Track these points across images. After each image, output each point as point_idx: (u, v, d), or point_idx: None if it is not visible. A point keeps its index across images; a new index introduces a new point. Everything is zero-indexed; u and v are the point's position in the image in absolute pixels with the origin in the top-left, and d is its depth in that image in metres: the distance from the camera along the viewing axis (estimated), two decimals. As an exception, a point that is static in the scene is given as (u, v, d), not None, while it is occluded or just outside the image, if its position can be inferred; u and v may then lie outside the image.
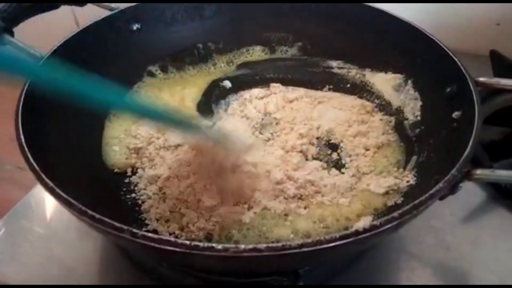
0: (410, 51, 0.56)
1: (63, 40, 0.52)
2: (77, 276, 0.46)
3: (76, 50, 0.53)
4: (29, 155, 0.36)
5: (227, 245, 0.29)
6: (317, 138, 0.56)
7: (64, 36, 0.53)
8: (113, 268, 0.47)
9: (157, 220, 0.45)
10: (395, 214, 0.31)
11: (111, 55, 0.58)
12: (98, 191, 0.46)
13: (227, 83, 0.65)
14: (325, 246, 0.29)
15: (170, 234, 0.44)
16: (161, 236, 0.29)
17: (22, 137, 0.38)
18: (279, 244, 0.29)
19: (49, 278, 0.46)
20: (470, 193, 0.53)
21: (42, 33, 0.53)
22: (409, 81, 0.57)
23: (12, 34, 0.52)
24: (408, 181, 0.47)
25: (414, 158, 0.49)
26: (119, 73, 0.58)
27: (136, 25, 0.62)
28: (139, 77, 0.63)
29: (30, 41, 0.52)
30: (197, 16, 0.66)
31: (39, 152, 0.39)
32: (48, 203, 0.54)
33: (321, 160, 0.53)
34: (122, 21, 0.60)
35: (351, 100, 0.60)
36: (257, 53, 0.67)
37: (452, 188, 0.35)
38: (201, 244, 0.29)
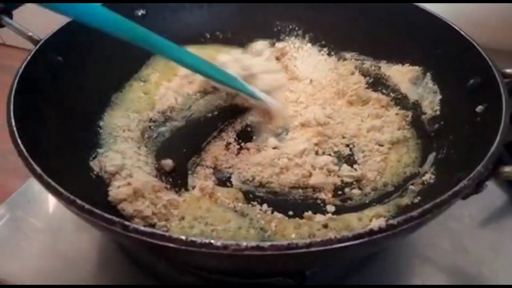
0: (429, 41, 0.53)
1: (64, 23, 0.50)
2: (74, 269, 0.44)
3: (77, 35, 0.51)
4: (18, 139, 0.34)
5: (226, 242, 0.26)
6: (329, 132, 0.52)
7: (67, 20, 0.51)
8: (110, 263, 0.45)
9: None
10: (414, 213, 0.28)
11: (114, 40, 0.55)
12: (91, 182, 0.43)
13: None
14: (336, 246, 0.26)
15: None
16: (154, 230, 0.26)
17: (13, 121, 0.36)
18: (285, 243, 0.26)
19: (44, 271, 0.44)
20: (490, 194, 0.50)
21: (45, 18, 0.51)
22: (428, 74, 0.53)
23: (10, 16, 0.50)
24: (425, 180, 0.43)
25: (432, 155, 0.46)
26: (122, 59, 0.56)
27: (142, 11, 0.60)
28: (142, 64, 0.60)
29: (32, 25, 0.50)
30: (205, 3, 0.63)
31: (31, 139, 0.37)
32: (45, 194, 0.52)
33: (331, 156, 0.50)
34: (127, 6, 0.58)
35: (366, 93, 0.57)
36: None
37: (477, 187, 0.32)
38: (198, 239, 0.26)
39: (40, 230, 0.48)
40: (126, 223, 0.27)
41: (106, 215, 0.27)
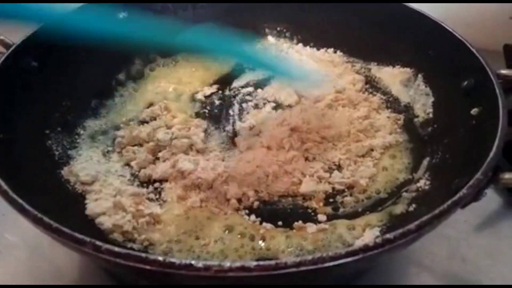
0: (421, 42, 0.51)
1: (39, 26, 0.47)
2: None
3: (54, 38, 0.48)
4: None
5: (209, 263, 0.23)
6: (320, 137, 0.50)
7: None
8: (89, 281, 0.42)
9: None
10: (412, 226, 0.26)
11: (94, 43, 0.53)
12: (68, 195, 0.40)
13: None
14: (328, 264, 0.24)
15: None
16: (129, 251, 0.24)
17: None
18: (272, 262, 0.23)
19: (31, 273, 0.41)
20: (485, 199, 0.47)
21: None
22: (419, 75, 0.52)
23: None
24: (420, 186, 0.42)
25: (427, 160, 0.45)
26: (103, 61, 0.53)
27: (123, 13, 0.57)
28: (125, 67, 0.58)
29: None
30: (189, 5, 0.61)
31: (1, 150, 0.34)
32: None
33: (321, 162, 0.48)
34: (107, 9, 0.55)
35: (356, 96, 0.55)
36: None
37: (477, 195, 0.30)
38: (177, 261, 0.23)
39: (14, 246, 0.45)
40: (98, 243, 0.24)
41: (76, 234, 0.25)
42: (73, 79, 0.50)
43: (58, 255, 0.43)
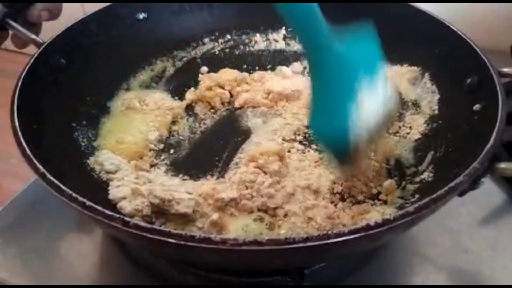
0: (427, 42, 0.53)
1: (67, 26, 0.51)
2: (74, 270, 0.44)
3: (79, 37, 0.52)
4: (21, 139, 0.34)
5: (225, 237, 0.26)
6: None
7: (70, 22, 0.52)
8: (110, 264, 0.45)
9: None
10: (410, 208, 0.28)
11: (115, 43, 0.56)
12: (92, 182, 0.44)
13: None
14: (333, 240, 0.26)
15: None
16: (154, 226, 0.27)
17: (16, 122, 0.37)
18: (282, 237, 0.26)
19: (44, 273, 0.44)
20: (488, 193, 0.50)
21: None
22: (426, 74, 0.54)
23: (15, 19, 0.51)
24: (423, 178, 0.44)
25: (431, 154, 0.46)
26: (123, 61, 0.57)
27: (143, 14, 0.60)
28: (144, 66, 0.61)
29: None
30: (205, 5, 0.64)
31: (33, 139, 0.37)
32: (45, 196, 0.52)
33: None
34: (128, 10, 0.58)
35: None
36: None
37: (473, 183, 0.32)
38: (197, 235, 0.26)
39: (39, 232, 0.48)
40: (127, 219, 0.27)
41: (107, 211, 0.28)
42: (97, 76, 0.53)
43: (83, 239, 0.47)
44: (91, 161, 0.46)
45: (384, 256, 0.44)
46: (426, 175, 0.44)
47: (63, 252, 0.46)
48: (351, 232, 0.26)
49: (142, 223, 0.27)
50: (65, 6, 0.52)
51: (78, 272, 0.44)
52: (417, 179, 0.44)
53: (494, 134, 0.34)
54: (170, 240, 0.26)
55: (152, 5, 0.60)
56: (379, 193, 0.45)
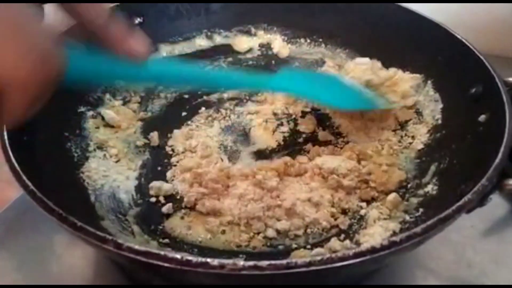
0: (430, 49, 0.52)
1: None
2: (70, 278, 0.43)
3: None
4: (10, 154, 0.33)
5: (223, 261, 0.25)
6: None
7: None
8: (105, 280, 0.43)
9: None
10: (417, 229, 0.27)
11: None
12: (85, 196, 0.42)
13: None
14: (337, 265, 0.25)
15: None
16: (149, 249, 0.25)
17: (5, 135, 0.35)
18: (284, 262, 0.25)
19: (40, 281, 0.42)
20: (492, 205, 0.47)
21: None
22: (429, 81, 0.52)
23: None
24: (427, 191, 0.43)
25: (434, 165, 0.45)
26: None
27: (139, 19, 0.59)
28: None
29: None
30: (203, 10, 0.62)
31: (24, 152, 0.36)
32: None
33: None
34: (123, 13, 0.57)
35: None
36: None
37: (481, 200, 0.31)
38: (193, 259, 0.25)
39: (29, 247, 0.46)
40: (120, 241, 0.26)
41: (99, 233, 0.27)
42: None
43: (73, 254, 0.45)
44: (81, 174, 0.44)
45: (386, 269, 0.43)
46: (430, 188, 0.43)
47: (58, 262, 0.44)
48: (356, 255, 0.25)
49: (136, 246, 0.26)
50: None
51: (74, 279, 0.42)
52: (421, 192, 0.43)
53: (502, 149, 0.33)
54: (165, 264, 0.25)
55: (147, 9, 0.59)
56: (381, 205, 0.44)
